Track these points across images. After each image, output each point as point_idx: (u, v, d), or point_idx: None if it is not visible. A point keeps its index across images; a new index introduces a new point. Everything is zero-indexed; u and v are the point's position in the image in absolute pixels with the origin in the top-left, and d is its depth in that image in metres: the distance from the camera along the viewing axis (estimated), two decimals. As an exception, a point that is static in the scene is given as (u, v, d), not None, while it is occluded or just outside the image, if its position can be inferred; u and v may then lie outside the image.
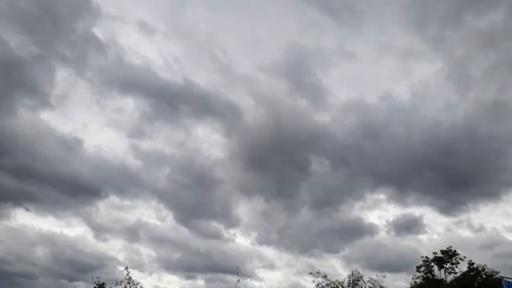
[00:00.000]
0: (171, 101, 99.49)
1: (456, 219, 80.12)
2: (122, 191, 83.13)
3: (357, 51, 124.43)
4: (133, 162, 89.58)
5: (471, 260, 38.19)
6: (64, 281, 66.50)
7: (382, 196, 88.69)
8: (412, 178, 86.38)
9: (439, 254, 38.80)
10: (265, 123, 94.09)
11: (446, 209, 79.76)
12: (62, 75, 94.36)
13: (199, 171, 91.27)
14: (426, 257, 39.09)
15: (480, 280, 37.08)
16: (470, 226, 75.95)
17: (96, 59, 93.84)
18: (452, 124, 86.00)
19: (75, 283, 66.82)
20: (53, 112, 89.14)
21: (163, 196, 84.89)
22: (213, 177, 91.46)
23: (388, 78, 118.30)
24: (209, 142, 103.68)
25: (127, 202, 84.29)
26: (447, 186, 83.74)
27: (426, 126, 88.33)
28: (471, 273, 37.31)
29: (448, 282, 37.84)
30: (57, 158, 78.36)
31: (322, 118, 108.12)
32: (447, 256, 38.14)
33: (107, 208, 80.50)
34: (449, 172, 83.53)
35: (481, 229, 73.82)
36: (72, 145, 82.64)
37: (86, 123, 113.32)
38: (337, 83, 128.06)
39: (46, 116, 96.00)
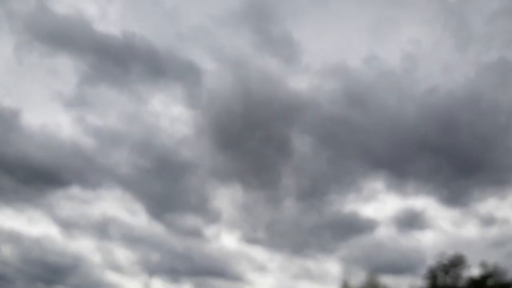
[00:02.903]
0: (115, 60, 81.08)
1: (461, 211, 73.83)
2: (81, 179, 71.67)
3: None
4: (85, 141, 75.37)
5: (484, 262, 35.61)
6: (41, 284, 61.24)
7: (377, 185, 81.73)
8: (408, 161, 75.87)
9: (445, 260, 36.28)
10: (232, 91, 79.01)
11: (449, 200, 71.17)
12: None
13: (163, 153, 77.65)
14: (431, 267, 36.55)
15: (491, 284, 34.69)
16: (477, 219, 70.02)
17: (9, 5, 74.79)
18: (450, 93, 72.35)
19: (54, 286, 61.86)
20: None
21: (128, 184, 75.26)
22: (180, 161, 77.73)
23: (371, 32, 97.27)
24: (169, 114, 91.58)
25: (89, 192, 74.24)
26: (449, 171, 72.22)
27: (420, 96, 74.70)
28: (484, 278, 34.66)
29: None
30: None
31: (299, 85, 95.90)
32: (456, 263, 35.51)
33: (68, 200, 70.91)
34: (450, 153, 72.05)
35: (489, 222, 68.14)
36: (7, 117, 68.24)
37: (10, 87, 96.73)
38: (310, 36, 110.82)
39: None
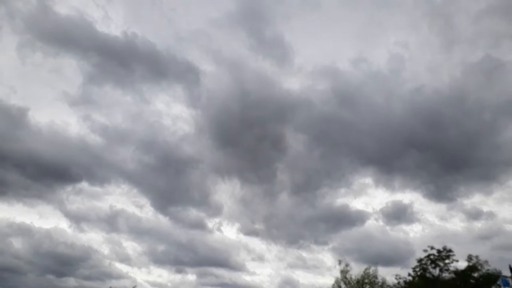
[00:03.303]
0: (118, 60, 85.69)
1: (447, 206, 75.09)
2: (89, 175, 77.42)
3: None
4: (92, 139, 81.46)
5: (470, 255, 37.18)
6: (51, 276, 63.66)
7: (366, 180, 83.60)
8: (395, 158, 79.38)
9: (433, 251, 37.70)
10: (230, 92, 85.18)
11: (436, 195, 73.28)
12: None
13: (166, 150, 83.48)
14: (420, 258, 37.99)
15: (477, 277, 36.06)
16: (463, 213, 71.14)
17: (10, 4, 77.72)
18: (436, 91, 76.12)
19: (64, 278, 64.36)
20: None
21: (134, 180, 78.90)
22: (182, 157, 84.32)
23: (360, 34, 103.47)
24: (171, 113, 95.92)
25: (97, 188, 79.38)
26: (435, 167, 75.80)
27: (407, 95, 78.27)
28: (470, 270, 36.11)
29: (444, 279, 36.77)
30: (5, 132, 69.96)
31: (292, 85, 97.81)
32: (443, 255, 36.96)
33: (77, 195, 75.81)
34: (436, 150, 74.94)
35: (475, 217, 68.94)
36: (15, 115, 72.54)
37: (14, 86, 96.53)
38: (302, 39, 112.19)
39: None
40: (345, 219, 74.91)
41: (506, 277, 34.39)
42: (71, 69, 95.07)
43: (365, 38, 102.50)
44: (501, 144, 70.92)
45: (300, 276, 72.10)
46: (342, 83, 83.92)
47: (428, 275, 37.23)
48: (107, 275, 66.49)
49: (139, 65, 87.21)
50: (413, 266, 38.15)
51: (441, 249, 37.16)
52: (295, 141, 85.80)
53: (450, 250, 37.01)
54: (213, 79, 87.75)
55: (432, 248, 37.38)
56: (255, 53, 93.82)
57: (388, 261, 59.09)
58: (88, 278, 64.07)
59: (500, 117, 72.91)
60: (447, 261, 36.66)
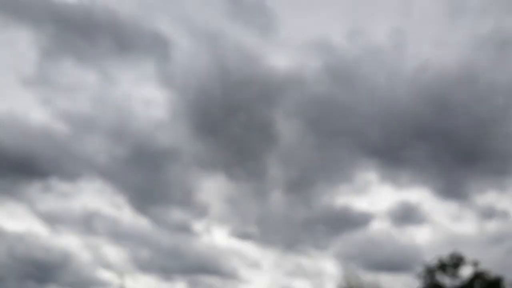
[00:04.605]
0: (76, 31, 71.99)
1: (458, 204, 69.94)
2: (58, 169, 65.43)
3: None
4: (56, 126, 68.89)
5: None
6: (32, 283, 59.28)
7: (370, 175, 77.78)
8: (400, 147, 70.96)
9: (442, 259, 35.30)
10: (207, 68, 71.93)
11: (446, 191, 65.56)
12: None
13: (139, 139, 71.06)
14: (428, 265, 35.43)
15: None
16: (475, 212, 65.02)
17: None
18: (443, 69, 65.11)
19: (46, 285, 59.99)
20: None
21: (107, 175, 69.10)
22: (158, 148, 70.71)
23: (356, 2, 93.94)
24: (141, 95, 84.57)
25: (68, 184, 69.33)
26: (444, 159, 65.84)
27: (411, 74, 67.70)
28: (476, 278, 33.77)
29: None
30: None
31: (278, 61, 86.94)
32: (453, 263, 34.52)
33: (47, 192, 66.41)
34: (444, 138, 65.74)
35: (489, 216, 64.19)
36: None
37: None
38: (287, 5, 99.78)
39: None
40: (347, 221, 68.59)
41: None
42: (24, 42, 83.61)
43: (361, 6, 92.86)
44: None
45: (300, 285, 68.09)
46: (337, 59, 75.54)
47: (437, 282, 34.97)
48: (91, 282, 61.67)
49: (100, 36, 75.67)
50: (419, 273, 35.80)
51: (451, 255, 34.92)
52: (286, 128, 78.16)
53: (460, 257, 34.71)
54: (187, 53, 77.98)
55: (439, 257, 35.15)
56: (233, 21, 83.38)
57: (395, 267, 54.71)
58: (71, 285, 59.35)
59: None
60: (458, 269, 34.45)
